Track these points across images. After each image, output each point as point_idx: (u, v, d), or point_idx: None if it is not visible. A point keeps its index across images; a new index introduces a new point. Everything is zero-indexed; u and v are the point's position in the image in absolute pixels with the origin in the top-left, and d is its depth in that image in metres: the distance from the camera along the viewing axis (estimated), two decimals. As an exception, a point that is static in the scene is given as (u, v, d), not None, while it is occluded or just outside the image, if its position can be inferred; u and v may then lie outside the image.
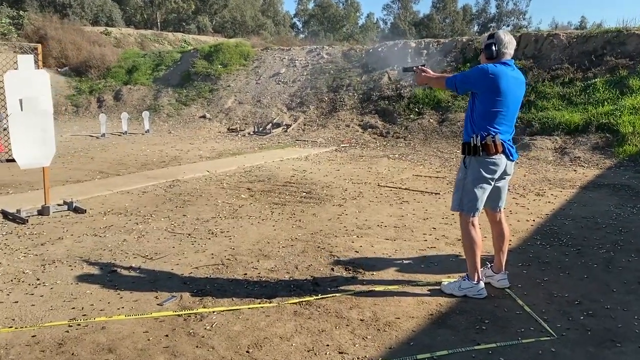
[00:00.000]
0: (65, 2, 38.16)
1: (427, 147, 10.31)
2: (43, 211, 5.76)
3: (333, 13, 62.23)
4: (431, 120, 11.55)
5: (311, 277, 3.93)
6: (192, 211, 5.85)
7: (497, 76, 3.33)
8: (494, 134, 3.37)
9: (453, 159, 9.12)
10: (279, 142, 11.75)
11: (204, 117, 14.84)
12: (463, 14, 58.77)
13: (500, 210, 3.69)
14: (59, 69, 20.36)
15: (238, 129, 13.38)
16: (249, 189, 7.06)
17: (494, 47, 3.41)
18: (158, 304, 3.44)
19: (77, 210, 5.89)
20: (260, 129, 13.01)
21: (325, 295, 3.56)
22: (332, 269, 4.07)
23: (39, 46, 6.23)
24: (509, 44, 3.46)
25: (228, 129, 13.61)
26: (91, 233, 5.05)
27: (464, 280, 3.58)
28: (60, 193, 6.68)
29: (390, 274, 3.96)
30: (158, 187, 7.14)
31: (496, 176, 3.46)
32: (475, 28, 57.51)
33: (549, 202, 6.10)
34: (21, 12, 21.57)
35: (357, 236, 4.89)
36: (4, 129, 7.69)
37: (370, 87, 13.76)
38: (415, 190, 6.78)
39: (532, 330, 3.05)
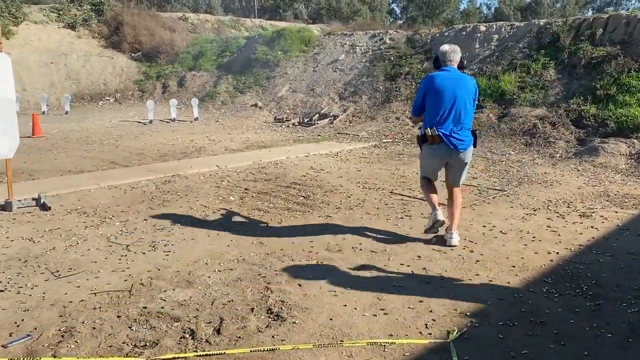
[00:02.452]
0: None
1: (478, 145, 8.94)
2: (5, 206, 5.35)
3: (433, -2, 59.74)
4: (490, 115, 10.12)
5: (220, 319, 3.08)
6: (159, 214, 5.18)
7: (430, 81, 4.24)
8: (431, 127, 4.18)
9: (503, 162, 7.77)
10: (319, 135, 10.87)
11: (255, 105, 14.28)
12: (576, -4, 53.88)
13: (452, 184, 4.42)
14: (132, 54, 20.73)
15: (284, 119, 12.66)
16: (245, 189, 6.30)
17: (437, 60, 4.38)
18: (2, 345, 2.76)
19: (44, 207, 5.42)
20: (307, 119, 12.19)
21: (211, 353, 2.70)
22: (252, 309, 3.18)
23: None
24: (448, 53, 4.29)
25: (275, 119, 12.93)
26: (28, 236, 4.52)
27: (431, 213, 4.35)
28: (45, 185, 6.31)
29: (320, 324, 3.00)
30: (151, 183, 6.57)
31: (437, 158, 4.32)
32: (590, 13, 52.66)
33: (592, 227, 4.76)
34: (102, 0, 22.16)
35: (318, 262, 3.94)
36: None
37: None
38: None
39: None
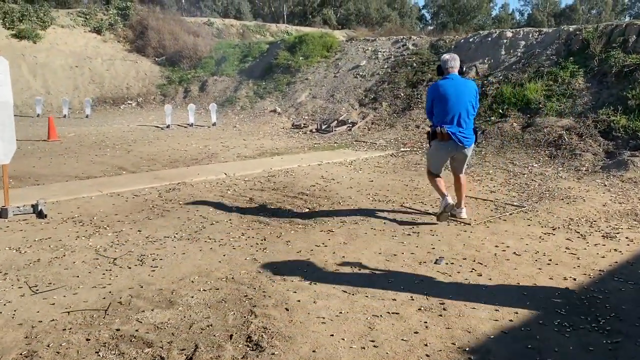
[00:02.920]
0: None
1: (499, 157, 8.56)
2: (1, 213, 5.22)
3: (464, 4, 59.01)
4: (514, 125, 9.69)
5: (195, 346, 2.83)
6: (155, 225, 4.99)
7: (437, 88, 4.91)
8: (441, 126, 4.84)
9: (524, 174, 7.37)
10: (335, 142, 10.60)
11: (274, 111, 14.09)
12: (613, 3, 52.49)
13: (458, 172, 5.19)
14: (156, 59, 20.84)
15: (302, 125, 12.42)
16: (250, 199, 6.07)
17: (440, 69, 5.01)
18: (-45, 371, 2.56)
19: (40, 215, 5.28)
20: (324, 126, 11.93)
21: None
22: (231, 336, 2.93)
23: None
24: (449, 61, 4.94)
25: (292, 125, 12.71)
26: (16, 246, 4.37)
27: (441, 201, 5.04)
28: (48, 191, 6.19)
29: (301, 356, 2.73)
30: (155, 191, 6.40)
31: (445, 153, 5.02)
32: (627, 20, 51.16)
33: (616, 249, 4.36)
34: (128, 3, 22.35)
35: (311, 283, 3.67)
36: None
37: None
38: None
39: None
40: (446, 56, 5.00)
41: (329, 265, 3.99)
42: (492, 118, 10.17)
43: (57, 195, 6.01)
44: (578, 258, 4.16)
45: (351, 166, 8.13)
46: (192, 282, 3.69)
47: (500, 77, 11.31)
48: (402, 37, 15.60)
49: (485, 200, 6.00)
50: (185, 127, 13.09)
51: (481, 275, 3.81)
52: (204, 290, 3.56)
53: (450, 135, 4.81)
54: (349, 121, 11.98)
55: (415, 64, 13.58)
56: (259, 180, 7.09)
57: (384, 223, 5.11)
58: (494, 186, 6.73)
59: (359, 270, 3.91)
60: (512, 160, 8.28)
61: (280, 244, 4.51)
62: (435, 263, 4.05)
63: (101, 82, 18.89)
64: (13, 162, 8.09)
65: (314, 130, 11.89)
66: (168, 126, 12.87)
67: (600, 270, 3.90)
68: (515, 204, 5.83)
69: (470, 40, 13.32)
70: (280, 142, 10.78)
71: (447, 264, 4.05)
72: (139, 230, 4.83)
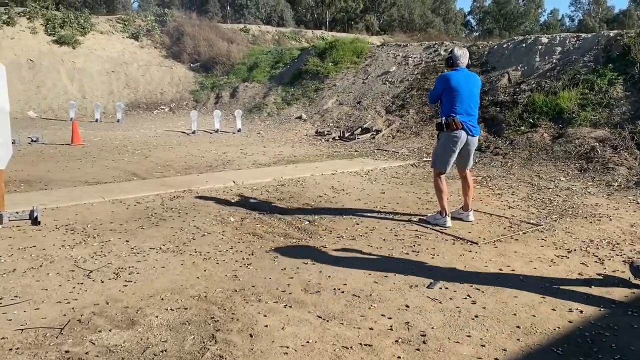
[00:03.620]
0: (242, 3, 40.52)
1: (525, 169, 8.07)
2: (-4, 219, 5.16)
3: (511, 10, 57.68)
4: (545, 135, 9.15)
5: (140, 374, 2.60)
6: (145, 235, 4.83)
7: (449, 78, 5.04)
8: (452, 116, 5.00)
9: (549, 189, 6.89)
10: (356, 151, 10.29)
11: (299, 117, 13.90)
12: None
13: (465, 170, 5.36)
14: (191, 65, 21.04)
15: (325, 132, 12.18)
16: (252, 209, 5.86)
17: (450, 60, 5.16)
18: None
19: (35, 222, 5.19)
20: (348, 134, 11.64)
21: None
22: (183, 364, 2.69)
23: None
24: (461, 56, 5.11)
25: (316, 132, 12.48)
26: (-3, 255, 4.26)
27: (437, 214, 5.23)
28: (51, 197, 6.15)
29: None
30: (159, 198, 6.27)
31: (458, 145, 5.08)
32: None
33: (636, 277, 3.91)
34: (166, 10, 22.69)
35: (285, 305, 3.40)
36: None
37: (484, 89, 11.55)
38: (449, 235, 4.96)
39: None
40: (459, 50, 5.15)
41: (310, 286, 3.71)
42: (522, 128, 9.65)
43: (59, 201, 5.95)
44: (590, 286, 3.74)
45: (366, 176, 7.82)
46: (162, 299, 3.48)
47: (533, 85, 10.76)
48: (434, 42, 15.18)
49: (500, 216, 5.59)
50: (210, 133, 13.04)
51: (475, 303, 3.45)
52: (171, 309, 3.34)
53: (462, 124, 4.98)
54: (374, 129, 11.66)
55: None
56: (266, 189, 6.87)
57: (384, 240, 4.79)
58: (513, 201, 6.29)
59: (342, 292, 3.61)
60: (538, 173, 7.78)
61: (267, 259, 4.26)
62: (428, 287, 3.71)
63: (136, 87, 19.18)
64: (29, 165, 8.20)
65: (336, 138, 11.62)
66: (194, 132, 12.85)
67: (612, 302, 3.48)
68: (532, 221, 5.39)
69: (504, 46, 12.80)
70: (300, 149, 10.56)
71: (441, 288, 3.70)
72: (126, 241, 4.67)
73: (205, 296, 3.54)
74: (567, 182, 7.23)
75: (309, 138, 12.04)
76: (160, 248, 4.49)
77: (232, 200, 6.26)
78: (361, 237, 4.87)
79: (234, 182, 7.16)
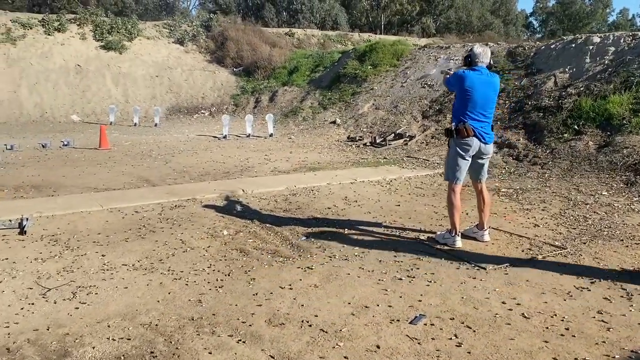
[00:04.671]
0: (297, 8, 40.75)
1: (564, 181, 7.32)
2: (-16, 228, 5.03)
3: (576, 10, 55.16)
4: (590, 144, 8.32)
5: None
6: (125, 249, 4.55)
7: (463, 78, 4.51)
8: (464, 121, 4.53)
9: (587, 205, 6.15)
10: (385, 158, 9.76)
11: (334, 122, 13.48)
12: None
13: (481, 181, 4.83)
14: (234, 69, 21.03)
15: (357, 138, 11.70)
16: (251, 220, 5.51)
17: (468, 59, 4.61)
18: None
19: (22, 231, 5.03)
20: (379, 139, 11.12)
21: None
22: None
23: None
24: (481, 55, 4.57)
25: (348, 138, 12.01)
26: (-35, 268, 4.07)
27: (446, 232, 4.74)
28: (51, 204, 6.01)
29: None
30: (160, 207, 6.03)
31: (470, 153, 4.59)
32: None
33: (668, 319, 3.25)
34: (211, 15, 22.83)
35: (239, 341, 3.00)
36: None
37: (528, 93, 10.79)
38: (455, 257, 4.40)
39: None
40: (479, 48, 4.63)
41: (277, 317, 3.28)
42: (565, 135, 8.84)
43: (56, 209, 5.79)
44: (608, 329, 3.12)
45: (387, 186, 7.31)
46: (109, 326, 3.15)
47: (581, 88, 9.89)
48: (479, 44, 14.36)
49: (521, 237, 4.96)
50: (242, 137, 12.83)
51: (460, 346, 2.92)
52: (112, 339, 3.00)
53: (474, 131, 4.51)
54: (407, 134, 11.07)
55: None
56: (275, 199, 6.50)
57: (380, 261, 4.29)
58: (542, 218, 5.62)
59: (310, 326, 3.16)
60: (577, 185, 7.01)
61: (243, 282, 3.86)
62: (410, 322, 3.21)
63: (178, 91, 19.32)
64: (47, 170, 8.18)
65: (368, 144, 11.12)
66: (225, 136, 12.68)
67: (632, 351, 2.86)
68: (556, 243, 4.74)
69: (552, 46, 11.91)
70: (327, 155, 10.13)
71: (425, 324, 3.19)
72: (103, 255, 4.40)
73: (156, 324, 3.18)
74: (609, 197, 6.45)
75: (339, 144, 11.60)
76: (134, 265, 4.18)
77: (235, 211, 5.92)
78: (355, 257, 4.39)
79: (243, 190, 6.83)
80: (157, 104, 18.12)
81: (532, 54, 12.19)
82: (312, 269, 4.11)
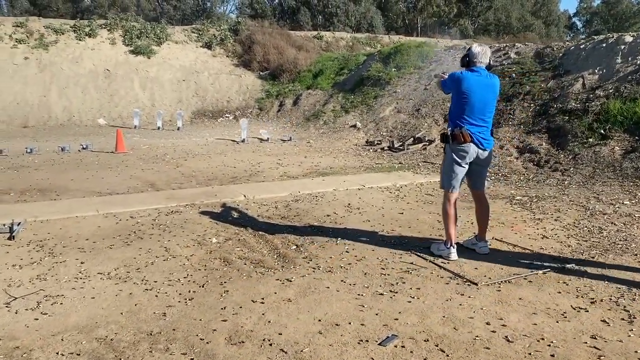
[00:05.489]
0: (332, 11, 40.81)
1: (584, 189, 6.89)
2: (-26, 232, 5.02)
3: (622, 10, 53.32)
4: (616, 149, 7.84)
5: None
6: (106, 257, 4.45)
7: (460, 80, 4.22)
8: (460, 126, 4.22)
9: (605, 215, 5.74)
10: (400, 163, 9.46)
11: (354, 126, 13.23)
12: None
13: (479, 189, 4.51)
14: (260, 73, 21.03)
15: (375, 142, 11.42)
16: (244, 227, 5.34)
17: (466, 59, 4.32)
18: None
19: (11, 236, 5.00)
20: (398, 144, 10.81)
21: None
22: None
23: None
24: (480, 54, 4.26)
25: (366, 142, 11.75)
26: (-58, 274, 4.03)
27: (442, 244, 4.45)
28: (48, 208, 5.99)
29: None
30: (156, 213, 5.93)
31: (466, 160, 4.30)
32: None
33: (671, 348, 2.90)
34: (239, 19, 22.91)
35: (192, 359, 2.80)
36: None
37: (555, 95, 10.31)
38: (448, 270, 4.12)
39: None
40: (478, 48, 4.30)
41: (239, 334, 3.09)
42: (590, 140, 8.36)
43: (53, 214, 5.76)
44: (600, 357, 2.80)
45: (396, 192, 7.03)
46: (63, 340, 3.02)
47: (610, 90, 9.36)
48: (505, 44, 13.92)
49: (524, 249, 4.63)
50: (260, 141, 12.72)
51: (428, 373, 2.65)
52: (62, 354, 2.86)
53: (471, 136, 4.22)
54: (426, 139, 10.73)
55: (514, 75, 11.92)
56: (276, 205, 6.31)
57: (365, 274, 4.04)
58: (552, 229, 5.26)
59: (270, 345, 2.95)
60: (598, 194, 6.58)
61: (215, 294, 3.68)
62: (380, 344, 2.96)
63: (204, 95, 19.41)
64: (58, 174, 8.22)
65: (385, 148, 10.82)
66: (243, 140, 12.60)
67: (621, 386, 2.54)
68: (561, 257, 4.39)
69: (582, 47, 11.36)
70: (341, 160, 9.90)
71: (396, 346, 2.93)
72: (82, 262, 4.30)
73: (112, 339, 3.03)
74: (631, 206, 6.01)
75: (357, 148, 11.35)
76: (109, 273, 4.06)
77: (230, 217, 5.77)
78: (341, 269, 4.16)
79: (244, 196, 6.67)
80: (182, 108, 18.24)
81: (560, 54, 11.67)
82: (290, 281, 3.89)
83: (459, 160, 4.33)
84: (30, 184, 7.48)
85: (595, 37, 11.64)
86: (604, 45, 10.74)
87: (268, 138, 12.85)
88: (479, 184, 4.53)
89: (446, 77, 4.49)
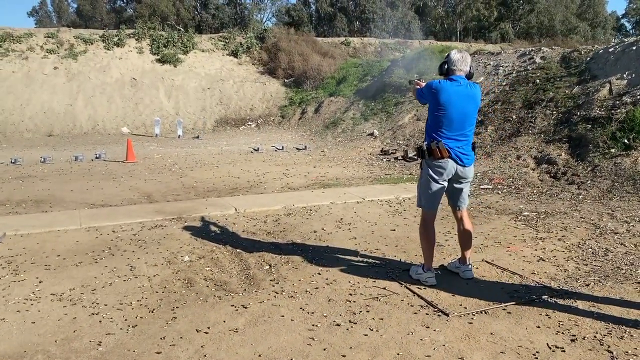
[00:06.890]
0: (369, 17, 40.70)
1: (599, 204, 6.37)
2: (-51, 246, 4.96)
3: (674, 10, 51.11)
4: (638, 161, 7.26)
5: None
6: (68, 275, 4.29)
7: (438, 91, 3.82)
8: (437, 140, 3.85)
9: (616, 234, 5.24)
10: (410, 174, 9.09)
11: (371, 134, 12.89)
12: None
13: (460, 209, 4.14)
14: (285, 80, 20.93)
15: (390, 151, 11.05)
16: (223, 245, 5.11)
17: (444, 66, 3.92)
18: None
19: (-15, 250, 4.91)
20: (412, 153, 10.42)
21: None
22: None
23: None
24: (459, 62, 3.88)
25: (381, 151, 11.39)
26: None
27: (420, 267, 4.11)
28: (33, 221, 5.92)
29: None
30: (139, 227, 5.79)
31: (444, 177, 3.93)
32: None
33: (651, 402, 2.48)
34: (265, 27, 22.90)
35: (105, 398, 2.57)
36: None
37: (579, 102, 9.73)
38: (421, 297, 3.77)
39: None
40: (457, 55, 3.92)
41: (200, 356, 2.83)
42: (612, 150, 7.80)
43: (36, 227, 5.68)
44: (563, 412, 2.41)
45: (395, 206, 6.68)
46: (-16, 370, 2.83)
47: (638, 97, 8.74)
48: (530, 49, 13.31)
49: (513, 274, 4.22)
50: (275, 150, 12.54)
51: None
52: (-27, 388, 2.67)
53: (449, 152, 3.86)
54: (441, 148, 10.28)
55: (538, 80, 11.36)
56: (265, 219, 6.07)
57: (329, 300, 3.74)
58: (552, 250, 4.82)
59: (194, 384, 2.69)
60: (613, 210, 6.06)
61: (161, 321, 3.45)
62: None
63: (228, 103, 19.43)
64: (59, 184, 8.22)
65: (399, 158, 10.45)
66: (257, 149, 12.44)
67: None
68: (551, 284, 3.97)
69: (610, 50, 10.72)
70: (351, 170, 9.59)
71: (333, 390, 2.61)
72: (40, 282, 4.15)
73: (33, 370, 2.83)
74: (647, 225, 5.48)
75: (370, 157, 11.01)
76: (62, 294, 3.88)
77: (212, 233, 5.55)
78: (305, 294, 3.87)
79: (235, 209, 6.46)
80: (206, 116, 18.32)
81: (587, 59, 11.05)
82: (245, 308, 3.63)
83: (436, 177, 3.95)
84: (29, 194, 7.47)
85: (625, 39, 10.95)
86: (634, 48, 10.09)
87: (283, 147, 12.65)
88: (459, 202, 4.14)
89: (423, 84, 4.10)
